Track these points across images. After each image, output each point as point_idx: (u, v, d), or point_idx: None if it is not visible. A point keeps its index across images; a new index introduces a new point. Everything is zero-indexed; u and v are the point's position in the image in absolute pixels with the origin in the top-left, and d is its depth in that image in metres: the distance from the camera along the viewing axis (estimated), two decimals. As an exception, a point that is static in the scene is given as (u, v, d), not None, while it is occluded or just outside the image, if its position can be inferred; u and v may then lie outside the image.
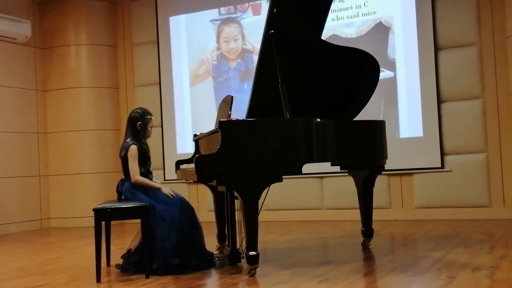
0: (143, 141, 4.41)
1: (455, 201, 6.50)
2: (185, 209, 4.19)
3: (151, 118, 4.44)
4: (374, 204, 4.88)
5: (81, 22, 8.12)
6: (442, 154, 6.56)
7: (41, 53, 8.17)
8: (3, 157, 7.51)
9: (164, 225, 4.08)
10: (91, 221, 4.11)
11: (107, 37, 8.30)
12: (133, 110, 4.49)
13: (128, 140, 4.36)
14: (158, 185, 4.28)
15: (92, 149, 8.03)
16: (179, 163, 4.98)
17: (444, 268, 3.80)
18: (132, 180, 4.23)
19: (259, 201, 3.85)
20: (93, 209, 4.01)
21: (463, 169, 6.47)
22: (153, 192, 4.22)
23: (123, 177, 4.38)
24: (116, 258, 4.43)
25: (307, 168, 4.09)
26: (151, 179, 4.34)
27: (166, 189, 4.24)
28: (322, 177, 7.10)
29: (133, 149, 4.26)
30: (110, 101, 8.26)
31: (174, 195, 4.21)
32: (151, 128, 4.46)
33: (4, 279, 4.29)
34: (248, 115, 4.51)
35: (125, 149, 4.31)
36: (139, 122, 4.37)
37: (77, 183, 7.98)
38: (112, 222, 4.54)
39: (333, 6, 5.99)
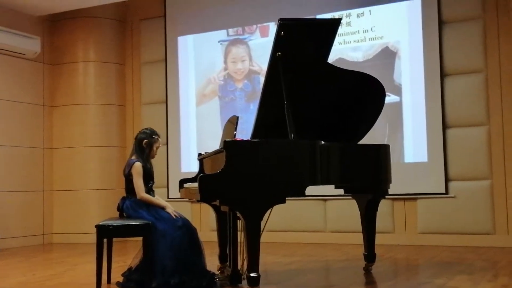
0: (148, 160, 4.44)
1: (459, 227, 6.47)
2: (187, 229, 4.19)
3: (158, 139, 4.50)
4: (377, 228, 4.86)
5: (90, 39, 8.20)
6: (447, 180, 6.55)
7: (49, 69, 8.24)
8: (8, 171, 7.54)
9: (165, 243, 4.07)
10: (93, 238, 4.11)
11: (116, 55, 8.38)
12: (141, 130, 4.55)
13: (133, 157, 4.39)
14: (163, 203, 4.29)
15: (97, 166, 8.05)
16: (183, 181, 4.99)
17: (446, 295, 3.78)
18: (138, 196, 4.24)
19: (262, 222, 3.85)
20: (96, 226, 4.02)
21: (468, 195, 6.45)
22: (155, 210, 4.22)
23: (125, 195, 4.39)
24: (117, 276, 4.41)
25: (310, 190, 4.09)
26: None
27: (170, 209, 4.24)
28: (325, 200, 7.08)
29: (137, 166, 4.28)
30: (116, 118, 8.30)
31: (177, 215, 4.21)
32: (157, 148, 4.50)
33: (4, 294, 4.28)
34: (253, 136, 4.53)
35: (129, 166, 4.34)
36: (145, 141, 4.41)
37: (81, 199, 7.99)
38: (114, 239, 4.54)
39: (340, 30, 6.03)
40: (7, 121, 7.58)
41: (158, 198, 4.39)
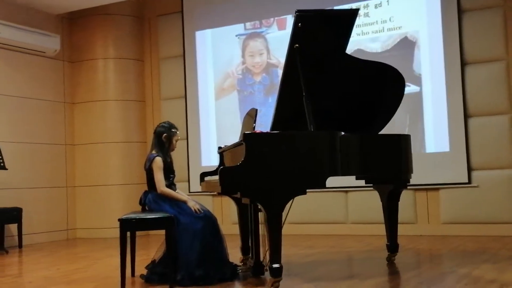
0: (168, 153, 4.46)
1: (482, 217, 6.41)
2: (208, 221, 4.22)
3: (176, 132, 4.51)
4: (400, 219, 4.84)
5: (109, 36, 8.27)
6: (469, 169, 6.49)
7: (69, 66, 8.32)
8: (32, 168, 7.64)
9: (188, 236, 4.10)
10: (116, 232, 4.15)
11: (134, 51, 8.43)
12: (159, 123, 4.57)
13: (153, 152, 4.41)
14: (184, 197, 4.31)
15: (118, 161, 8.13)
16: (203, 175, 5.01)
17: (471, 284, 3.75)
18: (158, 191, 4.27)
19: (283, 213, 3.85)
20: (119, 219, 4.05)
21: (491, 184, 6.39)
22: (177, 203, 4.25)
23: (147, 189, 4.42)
24: (141, 269, 4.46)
25: (331, 181, 4.08)
26: (174, 191, 4.37)
27: (191, 203, 4.26)
28: (346, 191, 7.07)
29: (158, 160, 4.31)
30: (136, 114, 8.36)
31: (200, 210, 4.22)
32: (176, 141, 4.52)
33: (31, 288, 4.35)
34: (273, 128, 4.53)
35: (149, 160, 4.36)
36: (164, 135, 4.43)
37: (103, 195, 8.07)
38: (137, 233, 4.59)
39: (358, 21, 6.00)
40: (29, 118, 7.67)
41: (180, 192, 4.41)
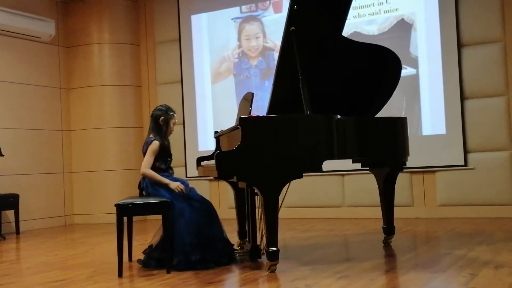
0: (166, 137, 4.45)
1: (479, 199, 6.43)
2: (204, 206, 4.22)
3: (173, 115, 4.49)
4: (396, 201, 4.85)
5: (104, 21, 8.21)
6: (465, 151, 6.49)
7: (65, 51, 8.28)
8: (28, 154, 7.63)
9: (184, 221, 4.10)
10: (113, 218, 4.14)
11: (130, 35, 8.38)
12: (156, 107, 4.54)
13: (151, 135, 4.40)
14: (166, 180, 4.25)
15: (115, 147, 8.12)
16: (200, 159, 5.01)
17: (466, 265, 3.77)
18: (141, 172, 4.27)
19: (279, 197, 3.86)
20: (115, 205, 4.05)
21: (487, 166, 6.40)
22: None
23: (145, 174, 4.42)
24: (138, 254, 4.47)
25: (328, 165, 4.07)
26: (172, 174, 4.37)
27: (174, 185, 4.20)
28: (343, 175, 7.07)
29: (155, 144, 4.29)
30: (132, 99, 8.34)
31: (183, 190, 4.18)
32: (173, 125, 4.50)
33: (28, 274, 4.36)
34: (269, 112, 4.52)
35: (147, 144, 4.35)
36: (162, 118, 4.41)
37: (100, 180, 8.07)
38: (134, 219, 4.59)
39: (354, 3, 5.96)
40: (25, 104, 7.64)
41: (174, 177, 4.40)
